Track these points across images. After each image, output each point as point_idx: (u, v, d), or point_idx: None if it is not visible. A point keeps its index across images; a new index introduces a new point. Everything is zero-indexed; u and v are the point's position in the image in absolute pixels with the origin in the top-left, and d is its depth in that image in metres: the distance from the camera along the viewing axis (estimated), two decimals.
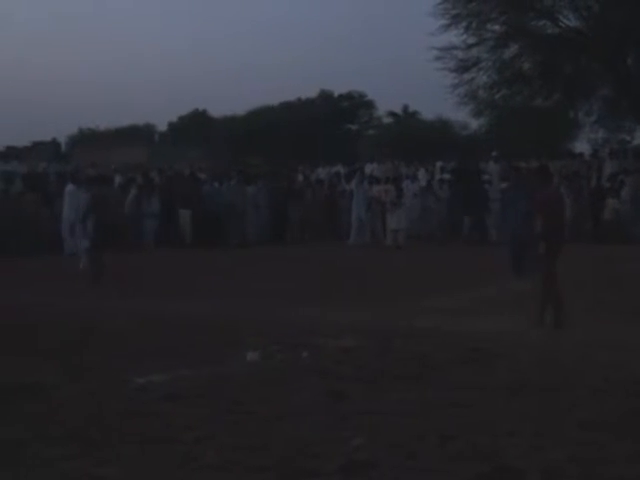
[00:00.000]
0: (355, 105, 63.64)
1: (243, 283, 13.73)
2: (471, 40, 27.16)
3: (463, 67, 27.25)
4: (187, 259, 18.78)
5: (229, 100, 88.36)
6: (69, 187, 20.95)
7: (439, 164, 28.14)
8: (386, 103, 75.60)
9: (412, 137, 51.78)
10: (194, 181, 25.00)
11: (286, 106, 60.41)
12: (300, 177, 27.59)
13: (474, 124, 46.10)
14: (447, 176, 25.28)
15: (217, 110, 65.48)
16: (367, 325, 9.37)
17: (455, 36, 27.10)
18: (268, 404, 6.12)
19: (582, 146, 34.18)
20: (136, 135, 59.33)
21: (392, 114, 61.76)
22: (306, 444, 5.17)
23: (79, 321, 9.84)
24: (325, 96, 62.53)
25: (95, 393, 6.47)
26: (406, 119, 61.05)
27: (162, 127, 65.98)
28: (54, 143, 33.27)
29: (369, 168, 27.63)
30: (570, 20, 27.31)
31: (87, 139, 58.34)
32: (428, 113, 58.81)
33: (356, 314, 10.18)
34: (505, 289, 12.56)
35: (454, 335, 8.86)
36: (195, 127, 61.33)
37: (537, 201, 10.13)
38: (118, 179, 24.50)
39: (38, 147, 36.87)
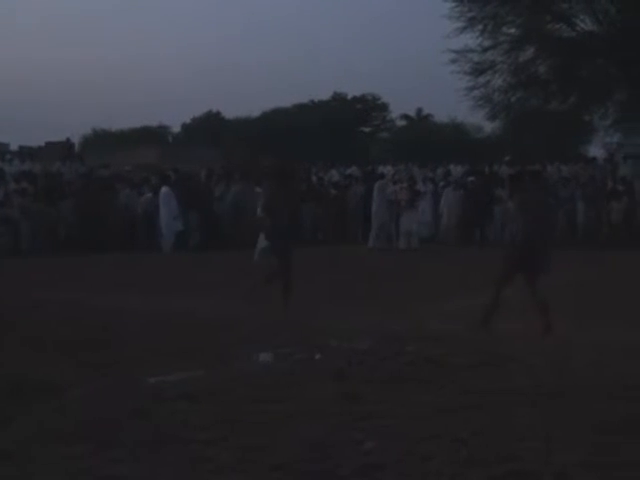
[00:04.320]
0: (369, 108, 63.71)
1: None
2: (487, 43, 27.22)
3: (478, 70, 27.25)
4: (199, 260, 18.81)
5: (243, 102, 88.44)
6: (164, 189, 21.96)
7: (458, 167, 28.11)
8: (400, 106, 75.51)
9: (425, 140, 51.79)
10: (205, 183, 25.08)
11: (300, 108, 60.46)
12: (314, 179, 27.61)
13: (488, 127, 46.16)
14: (470, 178, 25.12)
15: (231, 112, 65.62)
16: (380, 328, 9.35)
17: (471, 39, 27.18)
18: (281, 405, 6.11)
19: (596, 150, 34.14)
20: (150, 136, 59.45)
21: (405, 117, 61.77)
22: (319, 445, 5.15)
23: (96, 319, 9.87)
24: (339, 98, 62.59)
25: (108, 392, 6.47)
26: (419, 122, 61.04)
27: (176, 128, 66.13)
28: (68, 143, 33.33)
29: (383, 170, 27.61)
30: (586, 24, 27.30)
31: (100, 139, 58.53)
32: (442, 116, 58.75)
33: (369, 317, 10.17)
34: (519, 292, 12.49)
35: (467, 339, 8.83)
36: (209, 128, 61.46)
37: (518, 205, 10.14)
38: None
39: (52, 147, 36.93)
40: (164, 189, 22.33)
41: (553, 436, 5.34)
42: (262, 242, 16.96)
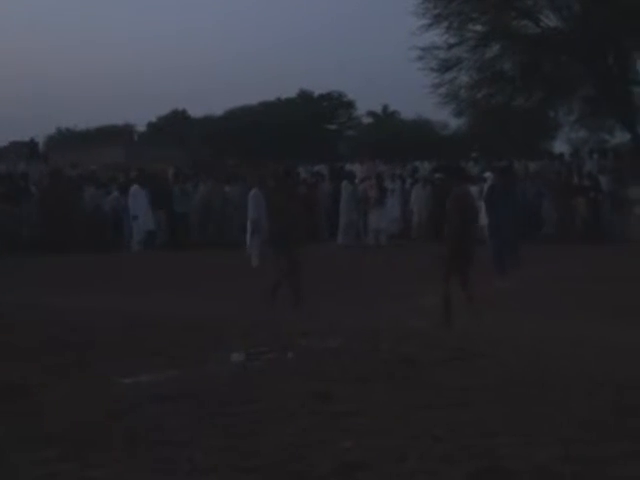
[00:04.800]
0: (335, 105, 63.71)
1: (226, 284, 13.67)
2: (452, 40, 27.31)
3: (445, 67, 27.34)
4: (166, 259, 18.70)
5: (208, 100, 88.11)
6: (134, 187, 22.07)
7: (425, 164, 28.22)
8: (366, 103, 75.60)
9: (391, 137, 51.91)
10: (166, 181, 24.95)
11: (265, 106, 60.36)
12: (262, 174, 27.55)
13: (453, 124, 46.36)
14: (437, 175, 25.21)
15: (196, 110, 65.36)
16: (352, 326, 9.32)
17: (437, 36, 27.24)
18: (255, 405, 6.06)
19: (561, 146, 34.40)
20: (115, 135, 59.12)
21: (372, 114, 61.87)
22: (295, 446, 5.11)
23: (65, 320, 9.75)
24: (304, 96, 62.52)
25: (81, 394, 6.38)
26: (386, 119, 61.17)
27: (141, 127, 65.80)
28: (32, 143, 33.03)
29: (351, 168, 27.66)
30: (551, 20, 27.49)
31: (65, 139, 58.11)
32: (408, 113, 58.92)
33: (341, 314, 10.15)
34: (488, 288, 12.54)
35: (439, 335, 8.84)
36: (174, 127, 61.23)
37: (451, 201, 10.22)
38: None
39: (16, 146, 36.58)
40: (134, 187, 22.15)
41: (529, 431, 5.33)
42: (254, 244, 17.08)
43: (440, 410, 5.87)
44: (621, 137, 30.15)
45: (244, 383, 6.78)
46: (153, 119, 65.26)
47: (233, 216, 23.38)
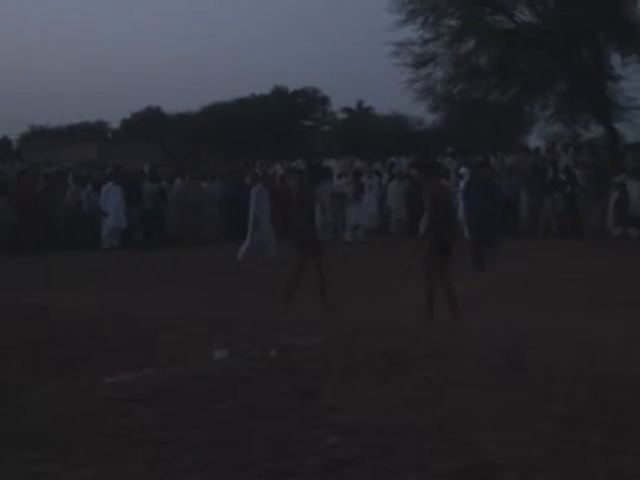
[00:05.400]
0: (309, 101, 63.74)
1: (206, 281, 13.63)
2: (428, 35, 27.33)
3: (420, 62, 27.35)
4: (142, 258, 18.62)
5: (183, 97, 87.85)
6: (108, 185, 22.09)
7: (402, 159, 28.27)
8: (340, 99, 75.68)
9: (366, 133, 51.99)
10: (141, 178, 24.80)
11: (240, 102, 60.28)
12: (259, 173, 27.53)
13: (428, 119, 46.49)
14: (414, 171, 25.29)
15: (171, 107, 65.18)
16: (334, 322, 9.32)
17: (412, 31, 27.24)
18: (239, 403, 6.03)
19: (536, 140, 34.54)
20: (88, 132, 58.89)
21: (346, 110, 61.95)
22: (281, 443, 5.09)
23: (43, 320, 9.66)
24: (279, 92, 62.50)
25: (62, 394, 6.33)
26: (360, 115, 61.26)
27: (115, 124, 65.57)
28: (5, 141, 32.78)
29: (328, 164, 27.66)
30: (525, 15, 27.60)
31: (39, 137, 57.77)
32: (383, 109, 59.06)
33: (320, 311, 10.14)
34: (468, 283, 12.58)
35: (420, 330, 8.85)
36: (148, 124, 61.03)
37: (429, 196, 10.26)
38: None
39: None
40: (108, 185, 22.07)
41: (514, 426, 5.35)
42: (252, 239, 17.11)
43: (425, 405, 5.88)
44: (596, 131, 30.34)
45: (227, 380, 6.74)
46: (127, 116, 65.05)
47: (210, 213, 23.33)
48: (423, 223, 10.37)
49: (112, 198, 21.78)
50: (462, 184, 20.00)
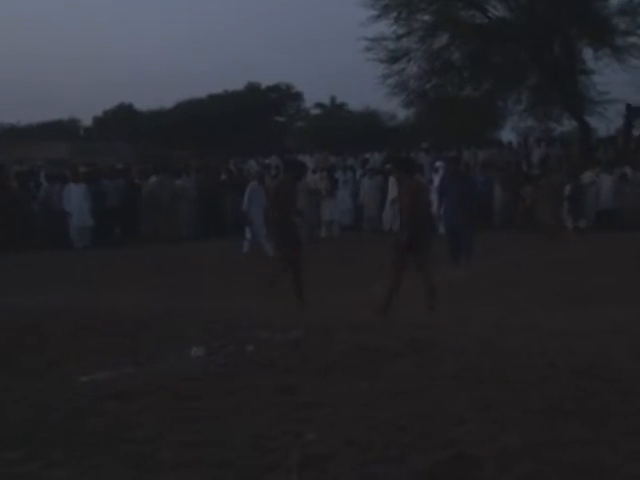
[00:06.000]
0: (283, 97, 63.63)
1: (181, 278, 13.59)
2: (401, 30, 27.43)
3: (393, 57, 27.43)
4: (117, 255, 18.53)
5: (155, 94, 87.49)
6: (76, 183, 21.86)
7: (375, 155, 28.33)
8: (314, 95, 75.66)
9: (340, 128, 52.03)
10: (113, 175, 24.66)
11: (213, 99, 60.11)
12: (233, 169, 27.49)
13: (401, 115, 46.59)
14: (388, 167, 25.36)
15: (143, 104, 64.89)
16: (310, 318, 9.32)
17: (385, 26, 27.30)
18: (216, 400, 6.01)
19: (508, 135, 34.74)
20: (60, 130, 58.49)
21: (320, 105, 61.93)
22: (260, 440, 5.08)
23: (17, 320, 9.58)
24: (252, 88, 62.34)
25: (38, 393, 6.28)
26: (334, 110, 61.27)
27: (87, 122, 65.15)
28: None
29: (302, 160, 27.61)
30: (498, 10, 27.75)
31: (8, 135, 57.29)
32: (356, 104, 59.10)
33: (296, 307, 10.14)
34: (442, 277, 12.61)
35: (396, 325, 8.86)
36: (121, 121, 60.73)
37: (407, 192, 10.30)
38: None
39: None
40: (70, 184, 21.91)
41: (491, 419, 5.37)
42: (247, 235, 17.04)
43: (402, 400, 5.89)
44: (568, 125, 30.57)
45: (205, 378, 6.72)
46: (99, 113, 64.67)
47: (184, 210, 23.24)
48: (399, 219, 10.39)
49: (74, 198, 21.61)
50: (437, 179, 20.10)
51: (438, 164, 22.66)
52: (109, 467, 4.71)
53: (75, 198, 21.71)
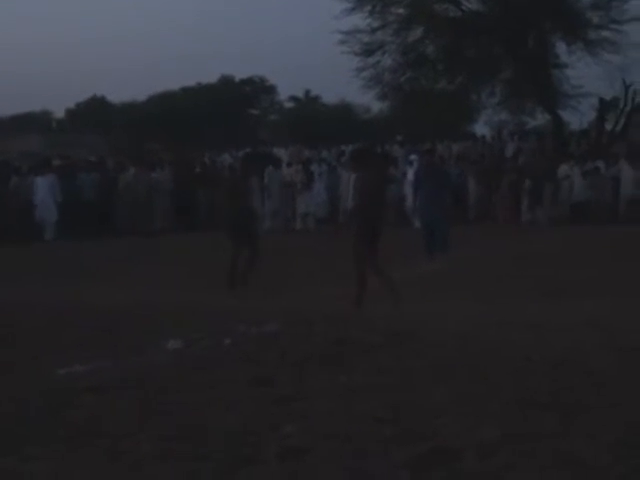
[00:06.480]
0: (256, 90, 63.49)
1: (156, 272, 13.53)
2: (375, 23, 27.33)
3: (368, 50, 27.37)
4: (91, 248, 18.41)
5: (128, 86, 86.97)
6: (46, 176, 21.76)
7: (348, 148, 28.34)
8: (288, 88, 75.51)
9: (314, 121, 52.01)
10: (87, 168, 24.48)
11: (187, 91, 59.86)
12: (207, 162, 27.39)
13: (375, 108, 46.63)
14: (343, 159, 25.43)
15: (116, 96, 64.47)
16: (288, 311, 9.30)
17: (359, 19, 27.23)
18: (194, 393, 6.00)
19: (482, 128, 34.88)
20: (31, 123, 58.03)
21: (293, 98, 61.86)
22: (238, 432, 5.08)
23: None
24: (226, 81, 62.13)
25: (15, 387, 6.24)
26: (308, 103, 61.23)
27: (59, 114, 64.65)
28: None
29: (277, 153, 27.64)
30: (472, 3, 27.74)
31: None
32: (330, 97, 59.09)
33: (275, 300, 10.13)
34: (419, 270, 12.65)
35: (373, 318, 8.87)
36: (93, 113, 60.36)
37: (359, 183, 10.35)
38: None
39: None
40: (47, 176, 21.77)
41: (469, 411, 5.40)
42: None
43: (380, 392, 5.91)
44: (542, 119, 30.69)
45: (182, 371, 6.71)
46: (71, 105, 64.21)
47: (159, 203, 23.15)
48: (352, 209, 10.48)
49: (40, 191, 21.50)
50: (411, 172, 20.16)
51: (412, 157, 22.72)
52: (86, 460, 4.69)
53: (41, 191, 21.57)
